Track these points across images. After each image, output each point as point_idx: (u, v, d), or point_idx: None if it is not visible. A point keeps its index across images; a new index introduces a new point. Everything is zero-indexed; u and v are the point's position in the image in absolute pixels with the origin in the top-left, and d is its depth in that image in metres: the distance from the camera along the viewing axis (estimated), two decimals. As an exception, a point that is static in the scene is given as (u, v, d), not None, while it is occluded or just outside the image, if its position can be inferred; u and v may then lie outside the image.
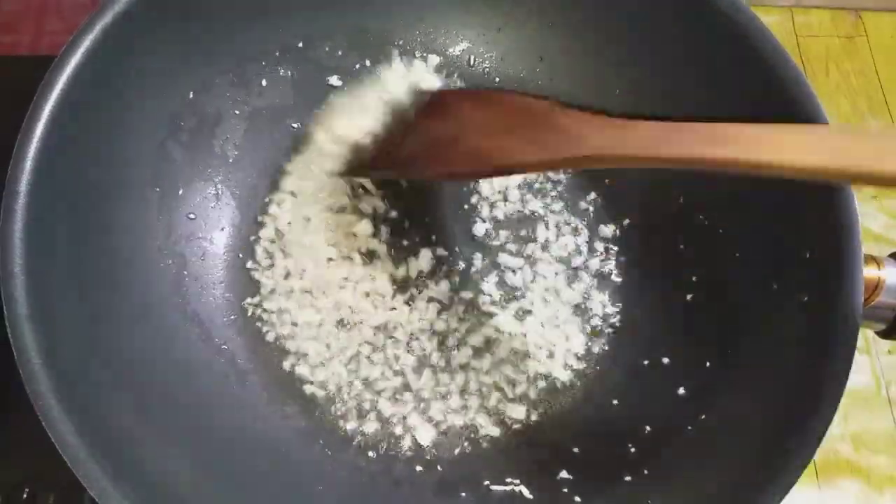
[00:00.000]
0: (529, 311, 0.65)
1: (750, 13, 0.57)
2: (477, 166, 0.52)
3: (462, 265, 0.65)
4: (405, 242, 0.66)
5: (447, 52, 0.70)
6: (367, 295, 0.64)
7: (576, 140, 0.47)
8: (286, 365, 0.61)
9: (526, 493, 0.57)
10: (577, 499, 0.55)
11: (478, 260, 0.66)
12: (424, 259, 0.65)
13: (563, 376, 0.63)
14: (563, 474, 0.57)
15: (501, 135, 0.51)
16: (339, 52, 0.67)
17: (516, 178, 0.69)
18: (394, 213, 0.66)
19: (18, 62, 0.76)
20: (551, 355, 0.63)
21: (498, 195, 0.68)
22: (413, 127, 0.58)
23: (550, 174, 0.69)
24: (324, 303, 0.63)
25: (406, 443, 0.59)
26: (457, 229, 0.67)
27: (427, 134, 0.56)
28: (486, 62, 0.71)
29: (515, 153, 0.50)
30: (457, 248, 0.66)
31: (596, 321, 0.65)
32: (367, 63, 0.68)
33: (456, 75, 0.70)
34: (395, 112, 0.60)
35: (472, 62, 0.71)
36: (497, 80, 0.71)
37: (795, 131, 0.43)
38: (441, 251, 0.66)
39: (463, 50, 0.70)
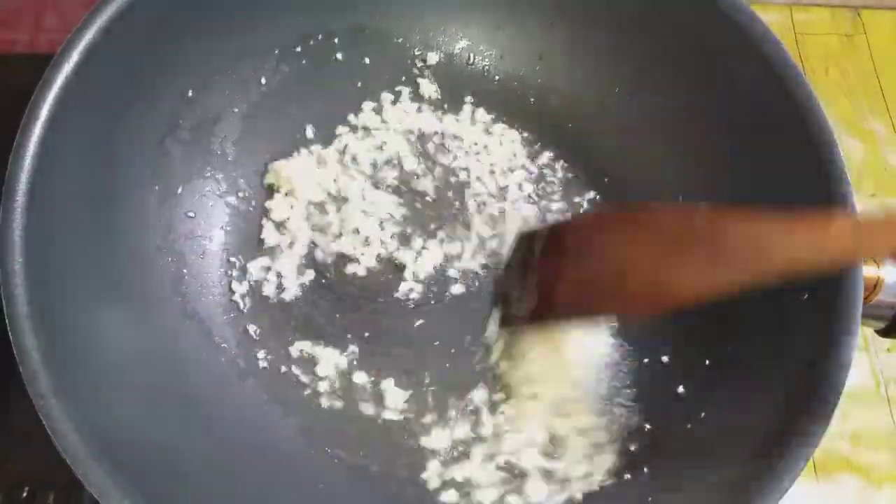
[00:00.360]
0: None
1: (750, 12, 0.57)
2: (659, 301, 0.47)
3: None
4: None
5: (447, 50, 0.70)
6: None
7: (763, 252, 0.42)
8: (285, 363, 0.61)
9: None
10: (578, 496, 0.55)
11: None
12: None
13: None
14: (565, 469, 0.57)
15: (666, 263, 0.46)
16: (339, 51, 0.67)
17: (516, 177, 0.69)
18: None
19: (16, 60, 0.76)
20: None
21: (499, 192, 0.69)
22: (551, 269, 0.53)
23: (547, 172, 0.69)
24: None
25: (406, 441, 0.59)
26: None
27: (578, 275, 0.51)
28: (486, 60, 0.71)
29: (702, 278, 0.44)
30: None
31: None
32: (367, 61, 0.68)
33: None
34: (516, 251, 0.58)
35: (471, 60, 0.71)
36: (497, 77, 0.71)
37: None
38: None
39: (462, 48, 0.70)
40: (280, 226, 0.65)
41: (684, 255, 0.45)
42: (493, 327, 0.61)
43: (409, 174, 0.68)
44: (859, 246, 0.41)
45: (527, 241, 0.60)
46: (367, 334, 0.62)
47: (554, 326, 0.58)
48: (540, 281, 0.55)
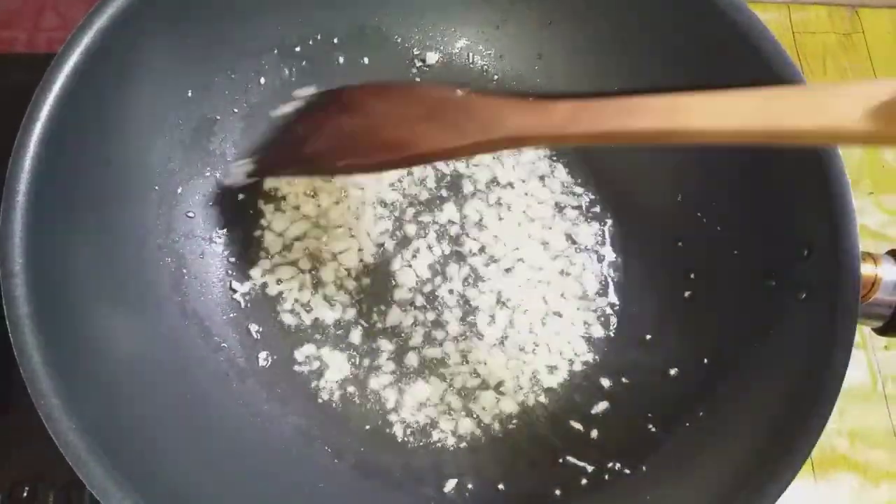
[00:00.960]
0: (526, 310, 0.65)
1: (748, 10, 0.57)
2: (391, 155, 0.52)
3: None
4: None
5: (446, 50, 0.70)
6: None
7: (493, 124, 0.48)
8: (286, 363, 0.61)
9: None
10: (571, 494, 0.56)
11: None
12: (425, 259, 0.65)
13: (562, 370, 0.63)
14: (561, 469, 0.57)
15: (416, 124, 0.51)
16: (338, 51, 0.67)
17: (514, 174, 0.69)
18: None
19: (15, 60, 0.76)
20: (549, 350, 0.64)
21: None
22: (318, 124, 0.57)
23: (545, 178, 0.69)
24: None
25: (404, 441, 0.60)
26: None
27: (337, 129, 0.56)
28: (485, 59, 0.71)
29: (431, 140, 0.50)
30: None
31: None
32: (366, 61, 0.68)
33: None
34: (295, 113, 0.59)
35: (470, 59, 0.71)
36: (495, 77, 0.71)
37: (710, 97, 0.42)
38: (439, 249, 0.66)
39: (462, 47, 0.71)
40: (280, 235, 0.65)
41: (431, 119, 0.50)
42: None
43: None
44: (568, 128, 0.45)
45: (315, 99, 0.61)
46: (366, 335, 0.63)
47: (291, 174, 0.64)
48: (305, 129, 0.58)
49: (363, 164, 0.55)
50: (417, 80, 0.70)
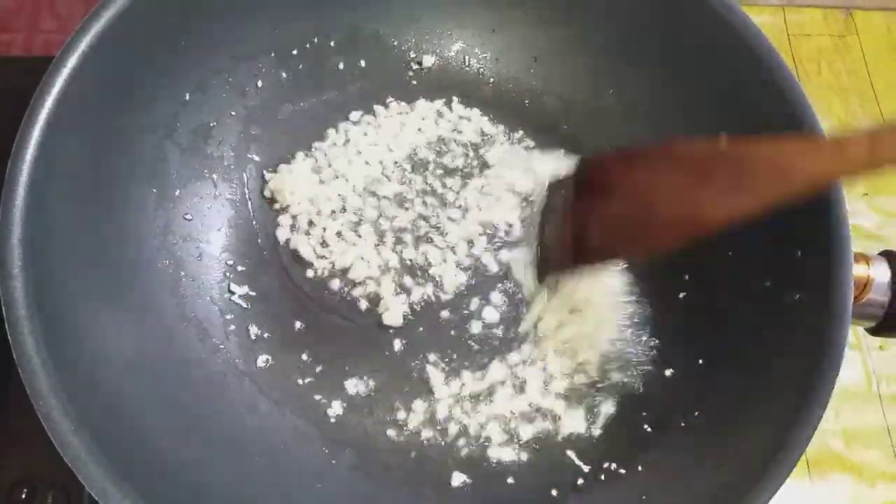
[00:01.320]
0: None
1: (742, 14, 0.58)
2: (690, 230, 0.48)
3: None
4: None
5: (442, 53, 0.71)
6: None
7: (785, 173, 0.44)
8: (284, 364, 0.61)
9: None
10: (567, 493, 0.56)
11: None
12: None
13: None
14: (558, 469, 0.58)
15: (693, 192, 0.47)
16: (335, 54, 0.68)
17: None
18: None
19: (12, 62, 0.76)
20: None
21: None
22: (584, 212, 0.54)
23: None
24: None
25: (403, 440, 0.60)
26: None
27: (605, 216, 0.52)
28: (481, 62, 0.71)
29: (719, 207, 0.46)
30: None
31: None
32: (363, 64, 0.69)
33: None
34: (549, 201, 0.58)
35: (466, 62, 0.71)
36: (491, 80, 0.71)
37: None
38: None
39: (458, 50, 0.71)
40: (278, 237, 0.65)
41: (709, 183, 0.46)
42: (530, 282, 0.62)
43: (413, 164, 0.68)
44: (873, 157, 0.42)
45: (557, 189, 0.59)
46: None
47: (591, 270, 0.59)
48: (573, 226, 0.56)
49: (656, 248, 0.52)
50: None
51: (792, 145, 0.44)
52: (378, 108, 0.70)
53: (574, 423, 0.60)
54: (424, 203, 0.67)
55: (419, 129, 0.70)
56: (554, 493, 0.57)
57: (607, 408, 0.60)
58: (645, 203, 0.50)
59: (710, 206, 0.46)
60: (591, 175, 0.55)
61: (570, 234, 0.56)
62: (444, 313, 0.63)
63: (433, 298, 0.64)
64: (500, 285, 0.65)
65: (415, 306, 0.63)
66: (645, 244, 0.52)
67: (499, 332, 0.63)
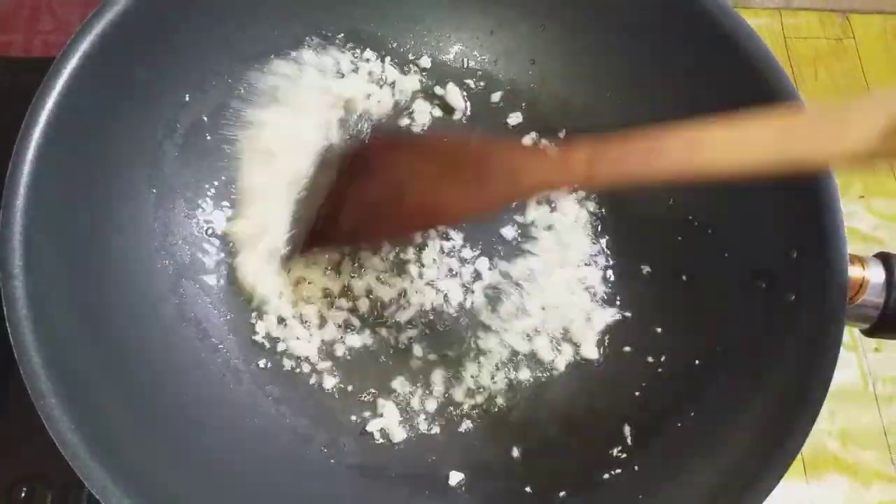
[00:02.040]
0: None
1: (738, 17, 0.58)
2: (428, 222, 0.52)
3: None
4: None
5: (441, 55, 0.71)
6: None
7: (517, 175, 0.48)
8: (283, 364, 0.62)
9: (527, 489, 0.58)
10: (563, 494, 0.56)
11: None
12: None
13: (560, 365, 0.64)
14: (555, 468, 0.58)
15: (439, 184, 0.50)
16: (334, 55, 0.68)
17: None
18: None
19: (11, 63, 0.76)
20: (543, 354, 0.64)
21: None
22: (342, 192, 0.56)
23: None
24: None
25: (404, 439, 0.60)
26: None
27: (362, 199, 0.55)
28: (479, 64, 0.71)
29: (459, 201, 0.50)
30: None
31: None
32: (361, 66, 0.69)
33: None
34: (317, 174, 0.59)
35: (465, 64, 0.71)
36: (488, 82, 0.72)
37: (726, 130, 0.42)
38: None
39: (456, 53, 0.71)
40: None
41: (456, 177, 0.50)
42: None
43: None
44: (589, 172, 0.45)
45: (326, 165, 0.60)
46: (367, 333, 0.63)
47: (331, 251, 0.62)
48: (326, 204, 0.58)
49: (397, 235, 0.56)
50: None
51: (523, 153, 0.51)
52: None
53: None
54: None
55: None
56: (560, 494, 0.57)
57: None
58: (396, 191, 0.53)
59: (451, 198, 0.50)
60: (358, 156, 0.57)
61: (325, 211, 0.57)
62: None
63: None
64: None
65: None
66: (390, 231, 0.55)
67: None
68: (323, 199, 0.58)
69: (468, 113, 0.70)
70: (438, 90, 0.70)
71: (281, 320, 0.62)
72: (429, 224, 0.53)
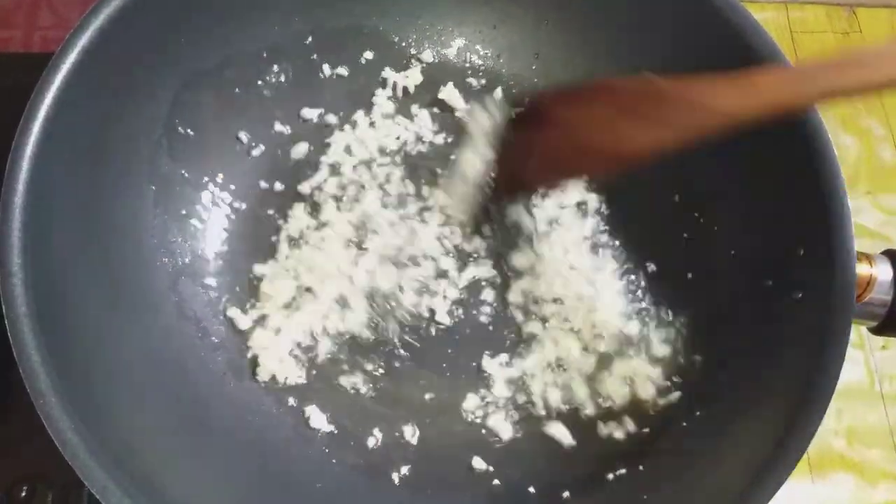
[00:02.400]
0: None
1: (744, 11, 0.58)
2: (605, 163, 0.52)
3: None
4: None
5: (443, 49, 0.71)
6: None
7: (699, 109, 0.46)
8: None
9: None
10: (567, 494, 0.56)
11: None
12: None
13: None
14: (558, 468, 0.58)
15: (616, 123, 0.50)
16: (335, 51, 0.67)
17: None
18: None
19: (10, 59, 0.76)
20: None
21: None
22: (520, 145, 0.57)
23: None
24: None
25: (405, 439, 0.60)
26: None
27: (544, 146, 0.55)
28: (482, 59, 0.71)
29: (637, 138, 0.48)
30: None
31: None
32: (363, 61, 0.69)
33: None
34: (497, 138, 0.60)
35: (468, 59, 0.71)
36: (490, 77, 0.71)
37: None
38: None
39: (460, 47, 0.71)
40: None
41: (636, 116, 0.49)
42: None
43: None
44: (786, 93, 0.44)
45: (507, 131, 0.61)
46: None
47: (524, 196, 0.65)
48: (510, 157, 0.59)
49: (579, 174, 0.57)
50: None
51: (706, 82, 0.47)
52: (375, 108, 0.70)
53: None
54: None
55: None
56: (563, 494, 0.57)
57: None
58: (576, 134, 0.53)
59: (632, 136, 0.49)
60: (530, 112, 0.58)
61: (514, 165, 0.59)
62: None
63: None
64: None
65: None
66: (574, 171, 0.56)
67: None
68: (507, 156, 0.60)
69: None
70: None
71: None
72: (615, 161, 0.51)
